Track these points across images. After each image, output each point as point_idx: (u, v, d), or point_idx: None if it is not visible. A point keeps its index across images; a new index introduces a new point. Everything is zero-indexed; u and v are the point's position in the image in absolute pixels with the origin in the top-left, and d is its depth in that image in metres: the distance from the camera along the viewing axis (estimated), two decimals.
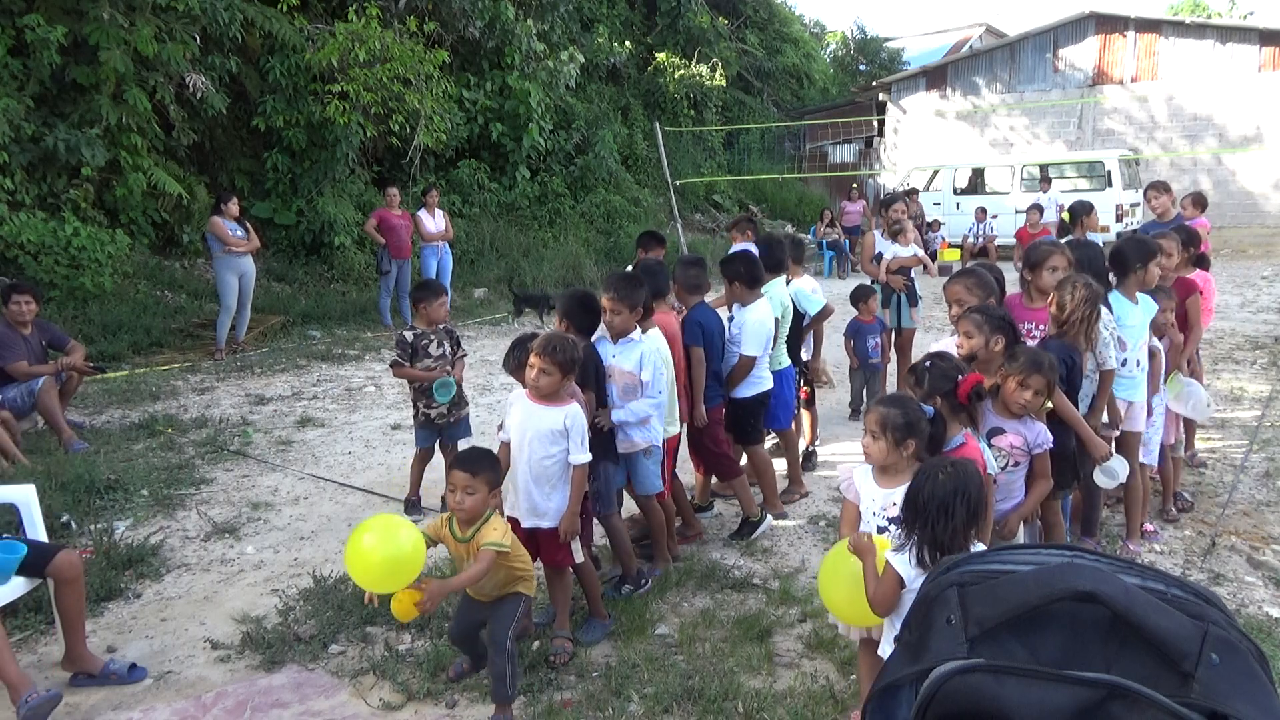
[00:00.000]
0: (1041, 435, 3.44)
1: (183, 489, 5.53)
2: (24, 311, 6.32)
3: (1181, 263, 5.45)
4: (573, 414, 3.45)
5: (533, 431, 3.44)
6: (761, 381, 4.87)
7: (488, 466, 3.08)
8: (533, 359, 3.38)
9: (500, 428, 3.66)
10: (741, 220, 6.56)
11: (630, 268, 5.19)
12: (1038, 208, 11.63)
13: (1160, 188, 7.43)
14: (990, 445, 3.34)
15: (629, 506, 4.47)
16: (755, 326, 4.74)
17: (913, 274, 7.44)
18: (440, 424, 5.13)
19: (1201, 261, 5.86)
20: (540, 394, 3.44)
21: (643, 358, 4.01)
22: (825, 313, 5.78)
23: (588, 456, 3.49)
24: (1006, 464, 3.42)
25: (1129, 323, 4.37)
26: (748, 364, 4.74)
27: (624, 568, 4.10)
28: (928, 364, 3.25)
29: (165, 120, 10.60)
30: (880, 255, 7.43)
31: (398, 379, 5.67)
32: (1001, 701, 0.77)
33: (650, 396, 4.05)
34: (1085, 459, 4.08)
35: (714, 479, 5.22)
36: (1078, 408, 3.92)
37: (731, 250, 5.71)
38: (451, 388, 5.09)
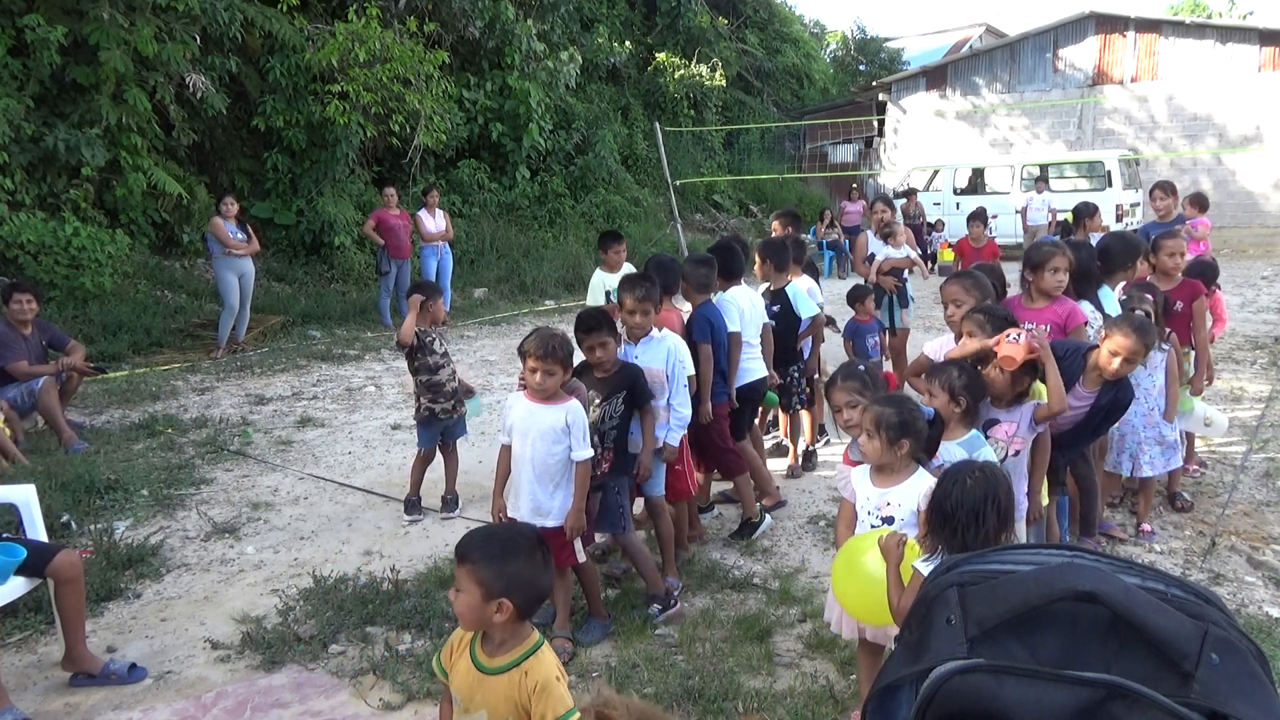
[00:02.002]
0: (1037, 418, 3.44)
1: (183, 489, 5.53)
2: (25, 311, 6.33)
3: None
4: (573, 410, 3.46)
5: (535, 431, 3.44)
6: (747, 371, 4.89)
7: (484, 555, 2.02)
8: (534, 362, 3.36)
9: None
10: (787, 214, 6.95)
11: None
12: (980, 219, 9.86)
13: (1166, 188, 7.42)
14: (987, 437, 3.34)
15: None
16: (730, 308, 4.80)
17: (906, 275, 7.46)
18: (444, 419, 5.14)
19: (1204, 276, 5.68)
20: (545, 395, 3.44)
21: (670, 353, 4.11)
22: (816, 322, 5.71)
23: (589, 452, 3.50)
24: (1005, 455, 3.41)
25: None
26: (737, 340, 4.75)
27: (650, 586, 3.94)
28: (958, 375, 3.22)
29: (165, 120, 10.61)
30: (873, 256, 7.44)
31: (399, 381, 5.68)
32: (1001, 701, 0.77)
33: (677, 394, 4.12)
34: (1081, 461, 4.08)
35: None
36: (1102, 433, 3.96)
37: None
38: (480, 406, 5.38)
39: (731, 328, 4.73)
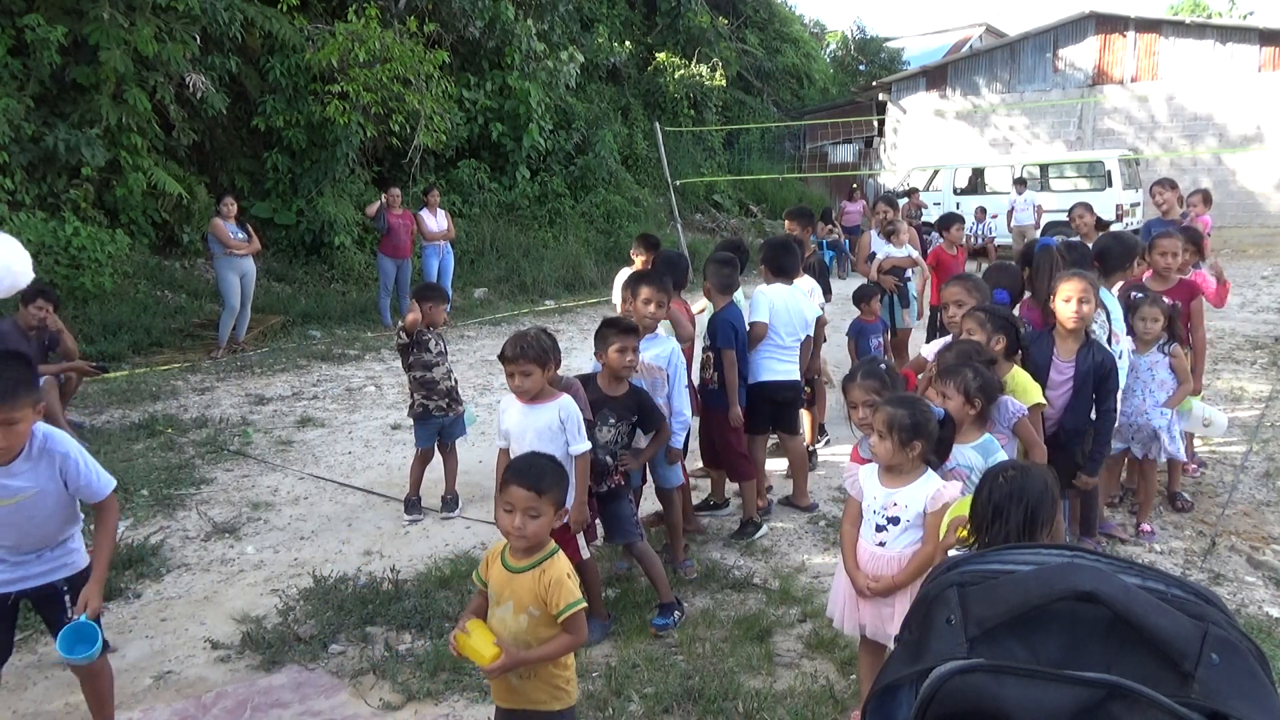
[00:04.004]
0: (1009, 407, 3.41)
1: (183, 489, 5.53)
2: (42, 317, 6.31)
3: (1186, 262, 5.45)
4: (565, 405, 3.46)
5: (531, 432, 3.44)
6: (776, 371, 4.90)
7: (554, 482, 2.45)
8: (509, 366, 3.40)
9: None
10: (799, 212, 6.74)
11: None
12: (957, 219, 8.17)
13: (1166, 185, 7.39)
14: None
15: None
16: (761, 299, 4.83)
17: (908, 274, 7.46)
18: (439, 417, 5.14)
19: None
20: (528, 395, 3.44)
21: (673, 353, 4.17)
22: (817, 323, 5.72)
23: (587, 445, 3.50)
24: None
25: (1119, 317, 4.41)
26: (759, 330, 4.77)
27: (661, 594, 3.89)
28: (973, 377, 3.19)
29: (165, 120, 10.60)
30: (874, 255, 7.44)
31: (399, 381, 5.68)
32: (1001, 701, 0.77)
33: (679, 395, 4.19)
34: (1089, 460, 4.08)
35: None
36: (1113, 408, 4.00)
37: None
38: (473, 415, 5.56)
39: (756, 317, 4.79)
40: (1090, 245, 5.20)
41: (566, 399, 3.49)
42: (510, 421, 3.52)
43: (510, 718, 2.57)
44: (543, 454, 2.70)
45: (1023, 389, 3.56)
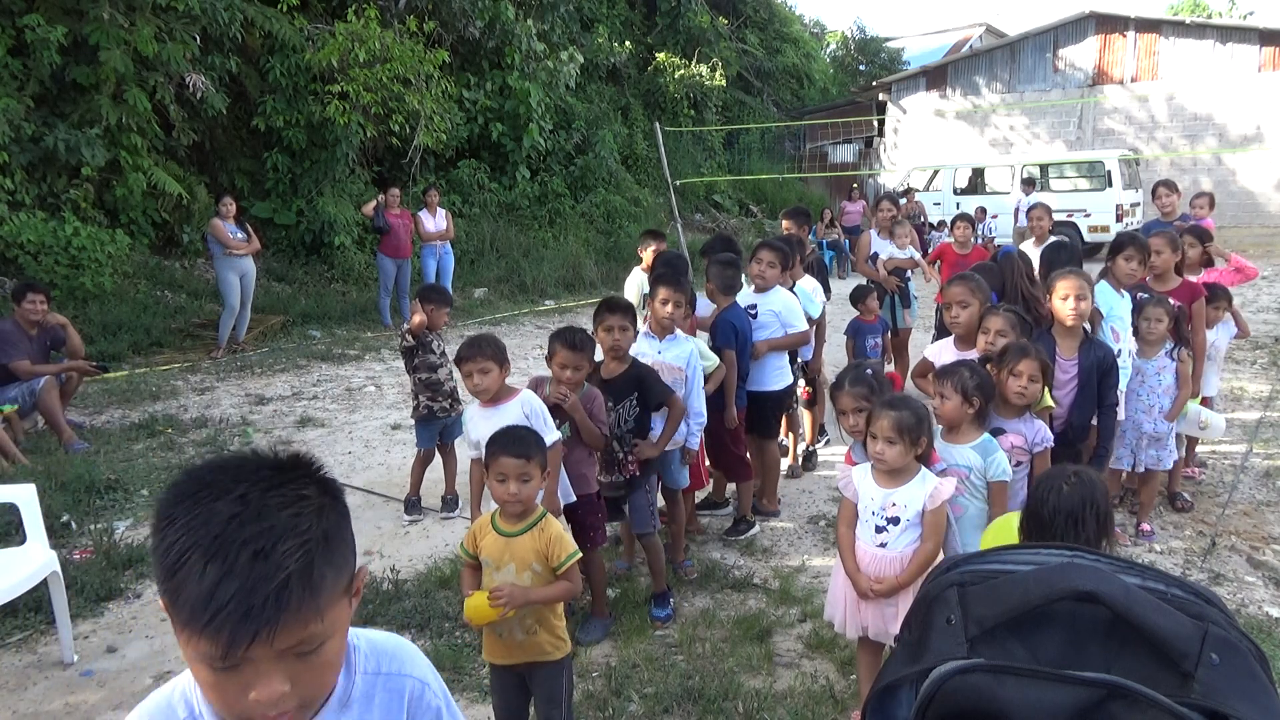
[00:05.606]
0: (1041, 433, 3.42)
1: None
2: (37, 311, 6.34)
3: (1194, 263, 5.44)
4: (527, 400, 3.47)
5: None
6: (787, 375, 4.98)
7: (537, 448, 2.64)
8: (466, 366, 3.41)
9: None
10: (797, 212, 6.68)
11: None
12: (967, 219, 8.34)
13: (1169, 186, 7.39)
14: None
15: None
16: (790, 300, 4.89)
17: (909, 275, 7.46)
18: (442, 418, 5.14)
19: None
20: (489, 396, 3.44)
21: (691, 354, 4.18)
22: (818, 322, 5.75)
23: (556, 434, 3.49)
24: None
25: (1118, 314, 4.42)
26: (805, 337, 4.93)
27: (656, 584, 3.95)
28: (970, 375, 3.17)
29: (165, 120, 10.60)
30: (875, 255, 7.43)
31: (399, 381, 5.67)
32: (1001, 702, 0.77)
33: (695, 395, 4.20)
34: (1095, 458, 4.08)
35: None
36: (1115, 403, 4.02)
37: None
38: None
39: (802, 325, 4.92)
40: (1043, 247, 5.24)
41: (527, 393, 3.49)
42: (479, 431, 3.46)
43: (513, 676, 2.71)
44: (518, 425, 2.89)
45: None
